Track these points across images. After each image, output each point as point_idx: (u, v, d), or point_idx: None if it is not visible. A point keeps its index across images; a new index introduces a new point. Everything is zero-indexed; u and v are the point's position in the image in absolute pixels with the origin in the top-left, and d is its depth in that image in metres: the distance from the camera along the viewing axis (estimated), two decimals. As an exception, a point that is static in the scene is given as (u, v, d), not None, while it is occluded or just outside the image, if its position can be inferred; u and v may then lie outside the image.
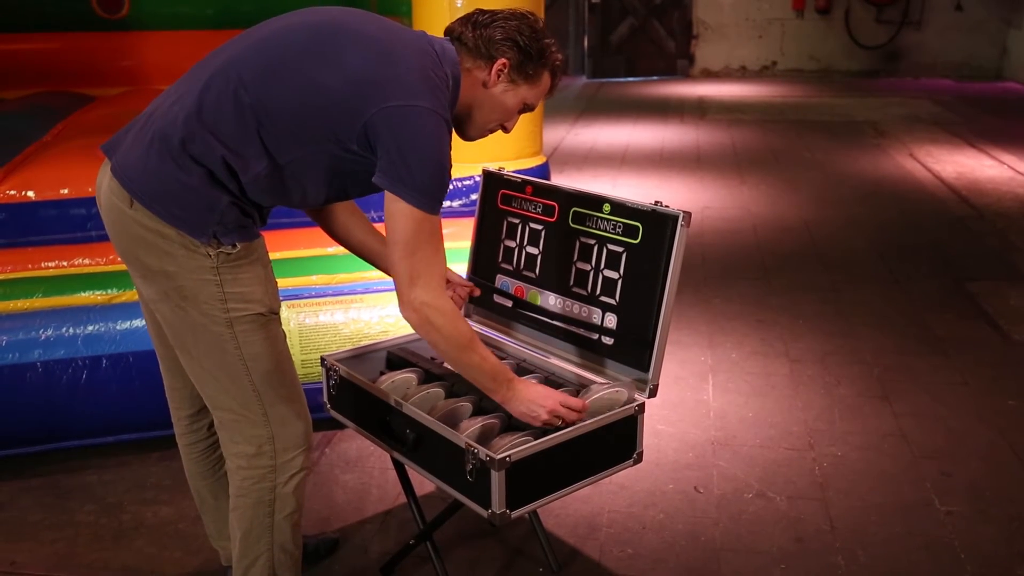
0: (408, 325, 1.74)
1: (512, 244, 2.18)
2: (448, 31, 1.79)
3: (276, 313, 1.77)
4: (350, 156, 1.66)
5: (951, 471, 2.69)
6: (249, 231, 1.69)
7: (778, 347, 3.56)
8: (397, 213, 1.63)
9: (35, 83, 5.24)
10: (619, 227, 1.95)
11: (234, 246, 1.66)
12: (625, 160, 7.03)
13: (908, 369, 3.37)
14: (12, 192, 3.33)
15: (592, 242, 2.01)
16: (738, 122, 8.57)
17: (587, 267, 2.02)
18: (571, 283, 2.06)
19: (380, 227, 3.33)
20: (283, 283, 2.93)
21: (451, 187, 3.66)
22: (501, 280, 2.22)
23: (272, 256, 2.97)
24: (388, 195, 1.63)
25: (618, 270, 1.96)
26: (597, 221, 1.99)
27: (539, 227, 2.12)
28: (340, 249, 3.21)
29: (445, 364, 2.13)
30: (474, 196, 3.72)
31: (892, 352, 3.52)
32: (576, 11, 12.00)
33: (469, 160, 3.74)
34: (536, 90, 1.80)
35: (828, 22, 11.69)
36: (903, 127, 8.17)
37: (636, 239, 1.93)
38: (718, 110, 9.29)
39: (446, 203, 3.66)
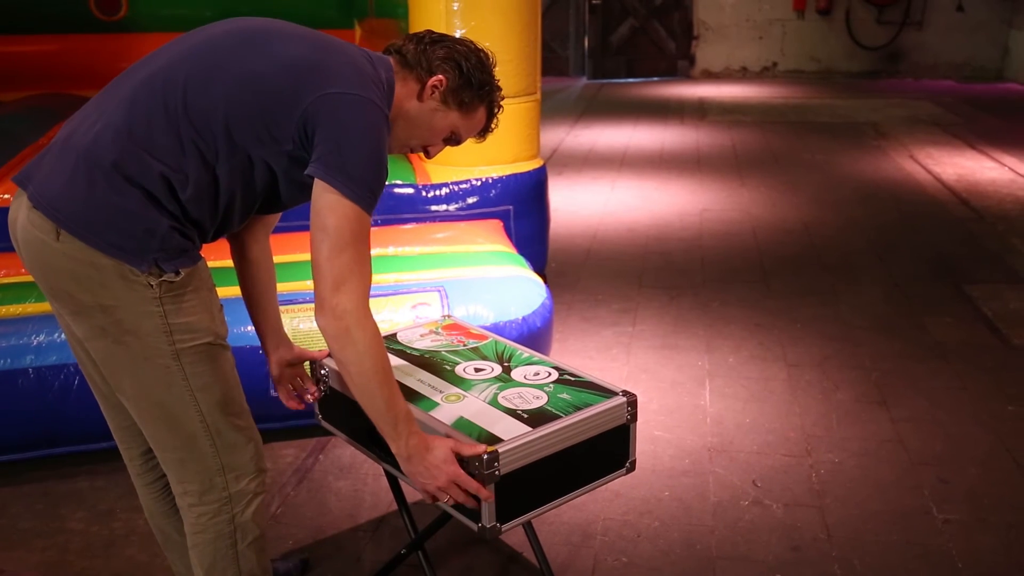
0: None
1: None
2: (388, 46, 1.72)
3: (223, 338, 1.67)
4: (286, 157, 1.57)
5: (949, 478, 2.67)
6: (191, 255, 1.59)
7: (776, 351, 3.54)
8: (328, 207, 1.50)
9: (33, 85, 5.22)
10: None
11: (177, 273, 1.55)
12: (624, 162, 7.01)
13: (906, 374, 3.35)
14: (6, 196, 3.32)
15: None
16: (738, 123, 8.55)
17: None
18: None
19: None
20: (278, 287, 2.92)
21: (447, 191, 3.67)
22: None
23: (267, 260, 3.00)
24: (319, 186, 1.51)
25: None
26: None
27: None
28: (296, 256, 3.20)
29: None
30: (470, 200, 3.70)
31: (890, 356, 3.49)
32: (576, 12, 11.98)
33: (464, 163, 3.72)
34: (467, 122, 1.72)
35: (829, 23, 11.67)
36: (904, 128, 8.14)
37: None
38: (718, 111, 9.26)
39: (442, 207, 3.67)
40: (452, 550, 2.34)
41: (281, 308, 2.81)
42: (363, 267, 1.55)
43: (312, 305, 2.80)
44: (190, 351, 1.59)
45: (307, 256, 3.11)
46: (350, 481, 2.67)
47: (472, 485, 1.64)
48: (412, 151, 1.76)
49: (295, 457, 2.79)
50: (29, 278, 2.97)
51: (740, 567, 2.29)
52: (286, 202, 1.71)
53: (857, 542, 2.38)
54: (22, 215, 1.56)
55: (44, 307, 2.77)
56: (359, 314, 1.54)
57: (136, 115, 1.53)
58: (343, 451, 2.82)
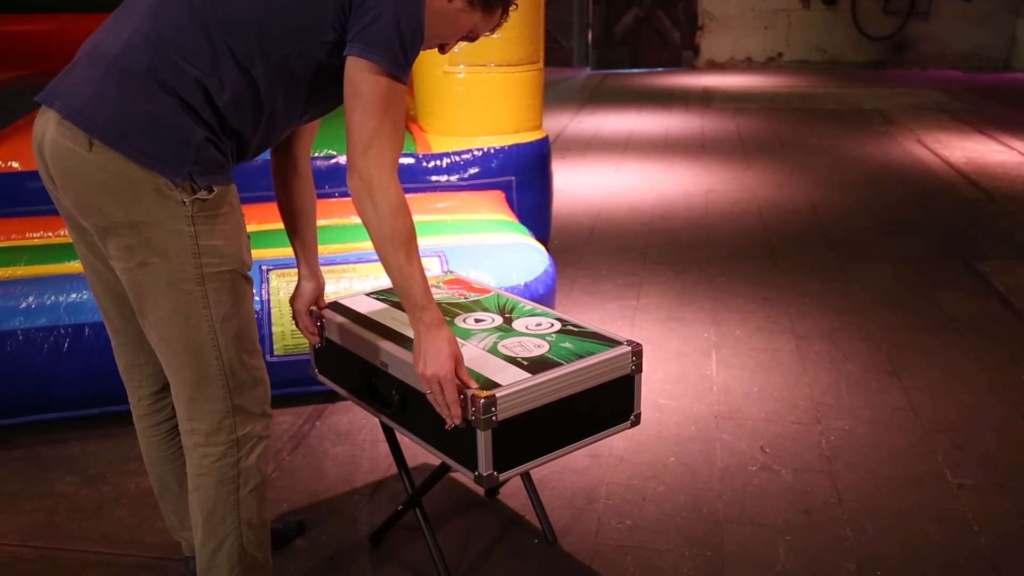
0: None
1: None
2: None
3: (248, 269, 1.63)
4: (330, 46, 1.54)
5: (963, 444, 2.59)
6: (225, 172, 1.56)
7: (784, 324, 3.47)
8: (361, 77, 1.50)
9: (30, 64, 5.17)
10: None
11: (210, 191, 1.51)
12: (629, 146, 6.94)
13: (918, 345, 3.27)
14: (-1, 163, 3.27)
15: None
16: (744, 111, 8.47)
17: None
18: None
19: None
20: (276, 252, 2.86)
21: (448, 161, 3.60)
22: None
23: (265, 226, 2.94)
24: (353, 60, 1.50)
25: None
26: None
27: None
28: (332, 220, 3.16)
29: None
30: (472, 170, 3.63)
31: (901, 329, 3.42)
32: (580, 2, 11.90)
33: (467, 133, 3.65)
34: (487, 22, 1.71)
35: (835, 13, 11.60)
36: (910, 115, 8.06)
37: None
38: (723, 99, 9.19)
39: (442, 177, 3.60)
40: (452, 513, 2.27)
41: (279, 272, 2.77)
42: (392, 133, 1.54)
43: (346, 266, 2.74)
44: (215, 276, 1.55)
45: (346, 220, 3.08)
46: (347, 447, 2.60)
47: (453, 396, 1.59)
48: (428, 47, 1.71)
49: (291, 424, 2.73)
50: (18, 242, 2.92)
51: (749, 530, 2.21)
52: (335, 99, 1.65)
53: (869, 506, 2.30)
54: (51, 129, 1.50)
55: (34, 270, 2.71)
56: (383, 178, 1.53)
57: (163, 20, 1.49)
58: (340, 417, 2.76)
